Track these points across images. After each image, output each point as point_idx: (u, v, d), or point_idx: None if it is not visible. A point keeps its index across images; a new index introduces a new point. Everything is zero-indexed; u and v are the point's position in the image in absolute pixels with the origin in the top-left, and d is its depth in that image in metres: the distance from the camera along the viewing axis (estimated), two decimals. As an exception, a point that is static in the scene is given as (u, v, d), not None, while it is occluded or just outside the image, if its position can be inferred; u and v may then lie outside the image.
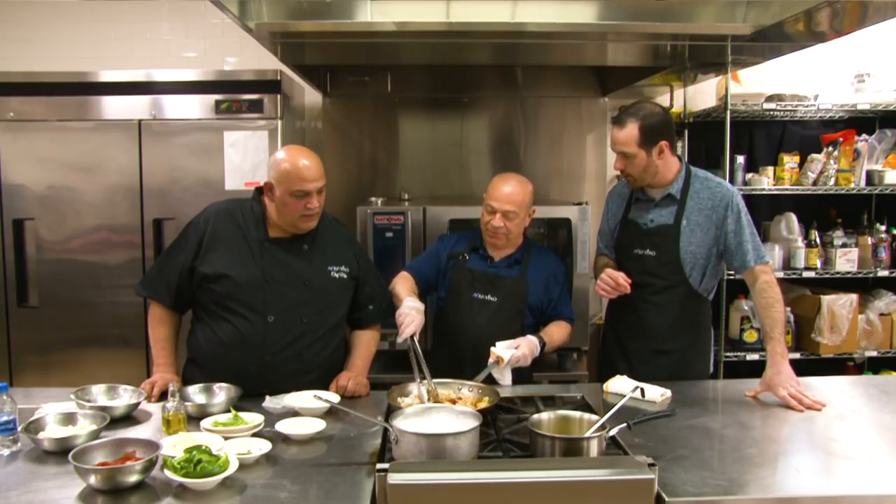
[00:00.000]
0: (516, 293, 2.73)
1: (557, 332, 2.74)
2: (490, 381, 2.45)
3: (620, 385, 2.45)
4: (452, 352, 2.72)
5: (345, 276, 2.52)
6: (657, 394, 2.38)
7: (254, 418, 2.08)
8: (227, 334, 2.39)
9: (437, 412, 1.99)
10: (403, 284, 2.72)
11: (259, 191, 2.50)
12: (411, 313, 2.50)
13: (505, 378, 2.52)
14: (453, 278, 2.77)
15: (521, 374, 2.63)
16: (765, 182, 3.90)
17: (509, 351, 2.48)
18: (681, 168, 2.66)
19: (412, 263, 2.92)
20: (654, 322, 2.67)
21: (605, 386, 2.50)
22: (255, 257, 2.41)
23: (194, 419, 2.11)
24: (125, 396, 2.29)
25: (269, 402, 2.28)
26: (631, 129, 2.53)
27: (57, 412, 2.08)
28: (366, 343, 2.62)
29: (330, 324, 2.51)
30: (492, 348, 2.48)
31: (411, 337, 2.44)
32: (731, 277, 3.52)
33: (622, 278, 2.54)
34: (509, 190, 2.66)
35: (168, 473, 1.69)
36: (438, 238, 2.99)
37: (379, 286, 2.67)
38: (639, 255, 2.67)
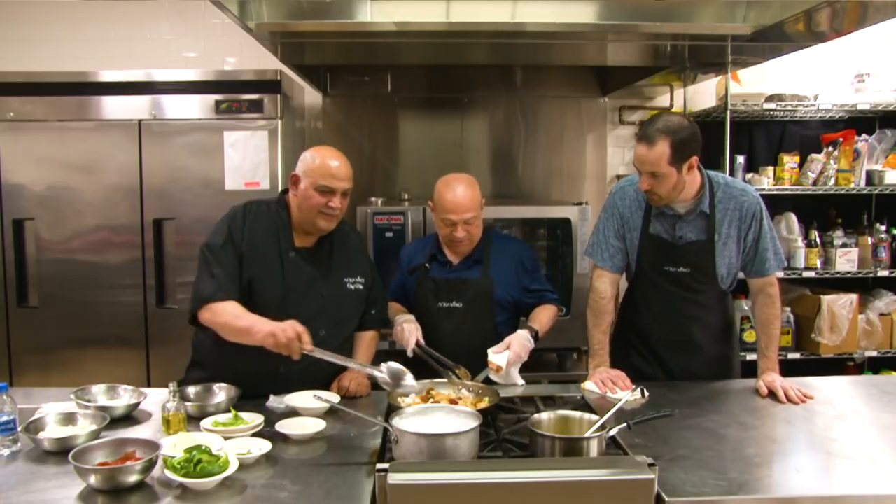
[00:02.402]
0: (481, 294, 2.69)
1: (545, 315, 2.69)
2: (490, 381, 2.45)
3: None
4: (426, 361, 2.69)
5: (360, 286, 2.51)
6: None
7: (254, 418, 2.07)
8: (246, 345, 2.26)
9: (437, 412, 1.99)
10: (392, 310, 2.72)
11: (285, 192, 2.47)
12: (407, 326, 2.54)
13: (513, 379, 2.52)
14: (418, 292, 2.74)
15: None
16: (765, 182, 3.90)
17: (503, 355, 2.46)
18: (703, 179, 2.51)
19: (390, 291, 2.83)
20: (697, 336, 2.62)
21: (582, 385, 2.51)
22: (279, 267, 2.37)
23: (194, 419, 2.11)
24: (125, 396, 2.29)
25: (273, 402, 2.28)
26: (662, 148, 2.34)
27: (57, 412, 2.08)
28: (366, 344, 2.62)
29: (344, 336, 2.50)
30: (488, 358, 2.46)
31: (417, 345, 2.47)
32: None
33: (622, 381, 2.46)
34: (461, 197, 2.58)
35: (168, 473, 1.69)
36: (401, 250, 2.93)
37: (380, 291, 2.67)
38: (671, 271, 2.56)
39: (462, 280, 2.71)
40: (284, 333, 2.12)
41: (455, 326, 2.68)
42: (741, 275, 2.67)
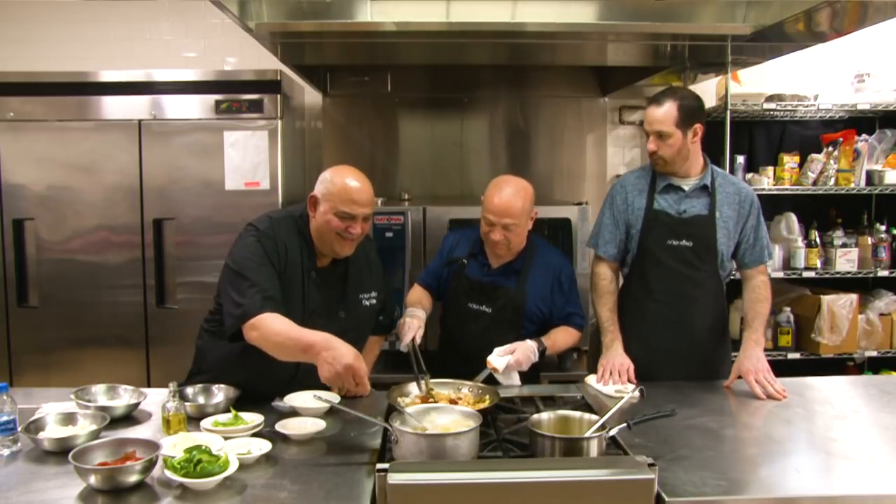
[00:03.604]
0: (512, 305, 2.66)
1: (562, 337, 2.68)
2: (490, 381, 2.45)
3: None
4: (450, 358, 2.71)
5: (374, 301, 2.49)
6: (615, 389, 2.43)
7: (254, 418, 2.07)
8: (259, 360, 2.21)
9: (437, 412, 1.99)
10: (412, 297, 2.75)
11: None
12: (410, 322, 2.53)
13: (510, 380, 2.53)
14: (451, 287, 2.74)
15: (527, 374, 2.63)
16: (765, 182, 3.89)
17: (504, 359, 2.45)
18: (707, 162, 2.67)
19: (425, 272, 2.87)
20: (696, 318, 2.65)
21: (586, 379, 2.52)
22: (300, 289, 2.31)
23: (194, 419, 2.11)
24: (125, 396, 2.29)
25: (278, 402, 2.28)
26: (670, 108, 2.52)
27: (57, 412, 2.08)
28: (370, 348, 2.62)
29: (359, 350, 2.49)
30: (488, 358, 2.46)
31: (412, 341, 2.46)
32: (732, 278, 3.52)
33: (623, 376, 2.50)
34: (507, 200, 2.53)
35: (168, 473, 1.69)
36: (444, 237, 2.94)
37: (389, 297, 2.65)
38: (674, 245, 2.62)
39: (496, 286, 2.67)
40: (346, 375, 2.01)
41: (481, 330, 2.65)
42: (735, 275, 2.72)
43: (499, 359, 2.45)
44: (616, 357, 2.54)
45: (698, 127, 2.57)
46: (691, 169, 2.63)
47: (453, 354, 2.72)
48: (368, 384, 2.27)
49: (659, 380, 2.51)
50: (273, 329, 2.12)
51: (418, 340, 2.48)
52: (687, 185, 2.64)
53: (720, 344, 2.75)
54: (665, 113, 2.53)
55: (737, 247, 2.66)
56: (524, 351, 2.50)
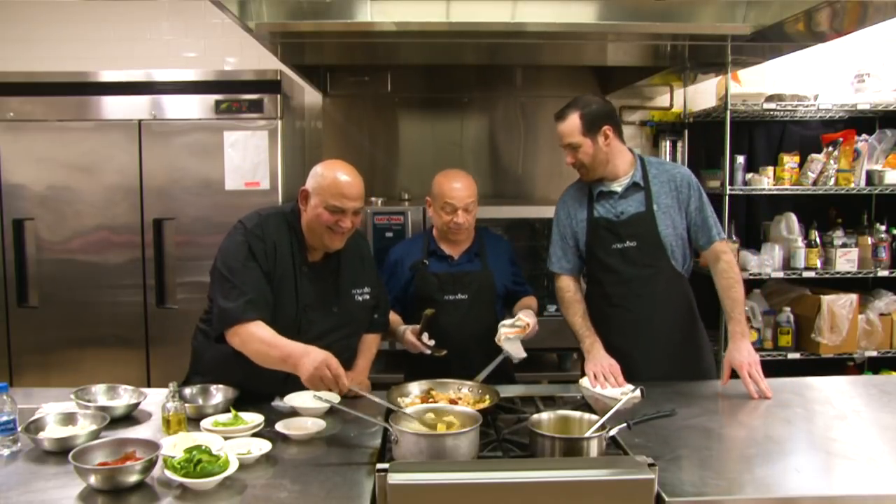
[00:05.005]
0: (484, 286, 2.78)
1: (534, 303, 2.84)
2: (490, 381, 2.44)
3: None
4: (438, 357, 2.70)
5: (367, 297, 2.49)
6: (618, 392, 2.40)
7: (254, 418, 2.07)
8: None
9: (437, 412, 1.99)
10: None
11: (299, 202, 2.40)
12: (412, 328, 2.62)
13: (520, 352, 2.55)
14: (420, 287, 2.77)
15: (506, 375, 2.70)
16: (765, 182, 3.90)
17: (526, 318, 2.54)
18: (634, 157, 2.67)
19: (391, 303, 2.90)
20: (657, 316, 2.63)
21: (580, 381, 2.52)
22: (293, 285, 2.32)
23: (193, 420, 2.11)
24: (125, 396, 2.29)
25: (278, 402, 2.28)
26: (572, 120, 2.56)
27: (57, 412, 2.08)
28: (368, 346, 2.61)
29: (353, 348, 2.49)
30: (519, 316, 2.54)
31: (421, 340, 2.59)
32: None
33: (616, 377, 2.48)
34: (464, 184, 2.71)
35: (168, 473, 1.69)
36: (388, 254, 2.92)
37: (384, 295, 2.66)
38: (618, 248, 2.63)
39: (465, 273, 2.78)
40: (324, 381, 2.05)
41: (461, 317, 2.74)
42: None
43: (524, 317, 2.54)
44: (601, 359, 2.53)
45: (607, 129, 2.56)
46: (618, 169, 2.63)
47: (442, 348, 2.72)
48: (346, 382, 2.16)
49: (635, 382, 2.48)
50: (253, 338, 2.17)
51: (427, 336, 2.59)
52: (619, 187, 2.64)
53: (693, 338, 2.72)
54: (569, 125, 2.57)
55: (689, 231, 2.65)
56: (529, 315, 2.58)
